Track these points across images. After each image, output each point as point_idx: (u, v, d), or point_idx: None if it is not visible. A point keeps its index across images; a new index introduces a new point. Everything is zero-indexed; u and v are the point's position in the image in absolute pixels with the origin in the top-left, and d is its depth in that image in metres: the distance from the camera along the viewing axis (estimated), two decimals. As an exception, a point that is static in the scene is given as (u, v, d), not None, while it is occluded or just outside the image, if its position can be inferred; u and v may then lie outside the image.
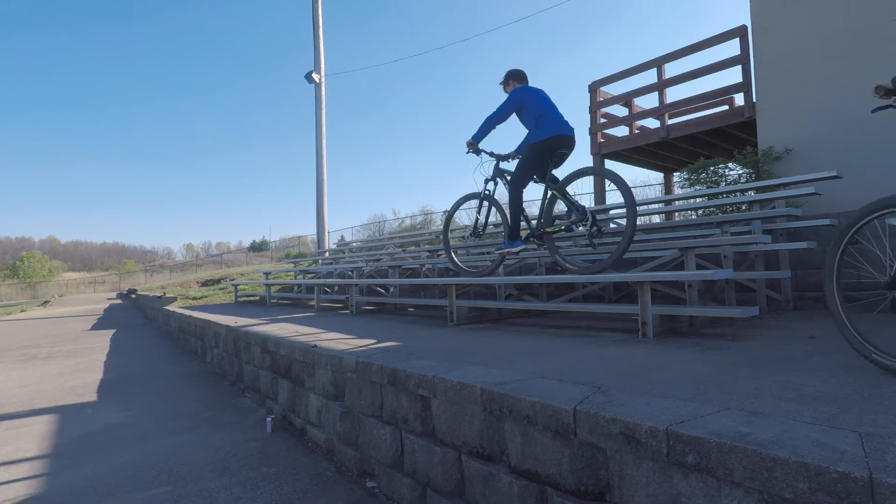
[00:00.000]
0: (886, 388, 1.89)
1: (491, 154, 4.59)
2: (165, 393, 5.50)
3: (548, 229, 4.32)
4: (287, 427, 4.20)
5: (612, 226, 6.01)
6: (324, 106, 14.66)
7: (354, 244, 16.93)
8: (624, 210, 4.20)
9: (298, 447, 3.74)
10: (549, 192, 4.24)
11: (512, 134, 4.73)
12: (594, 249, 4.17)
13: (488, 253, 6.81)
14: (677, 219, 7.88)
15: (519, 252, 4.43)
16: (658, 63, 7.48)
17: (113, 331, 11.65)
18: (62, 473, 3.37)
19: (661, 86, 7.53)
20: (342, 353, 3.46)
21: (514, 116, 4.33)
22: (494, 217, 5.10)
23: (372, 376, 3.08)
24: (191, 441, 3.90)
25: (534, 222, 4.52)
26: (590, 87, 8.37)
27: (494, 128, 4.33)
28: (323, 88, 14.66)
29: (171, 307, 11.19)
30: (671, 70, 7.50)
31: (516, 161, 4.42)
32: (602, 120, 8.51)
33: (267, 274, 11.65)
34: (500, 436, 2.23)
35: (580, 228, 4.10)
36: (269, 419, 4.20)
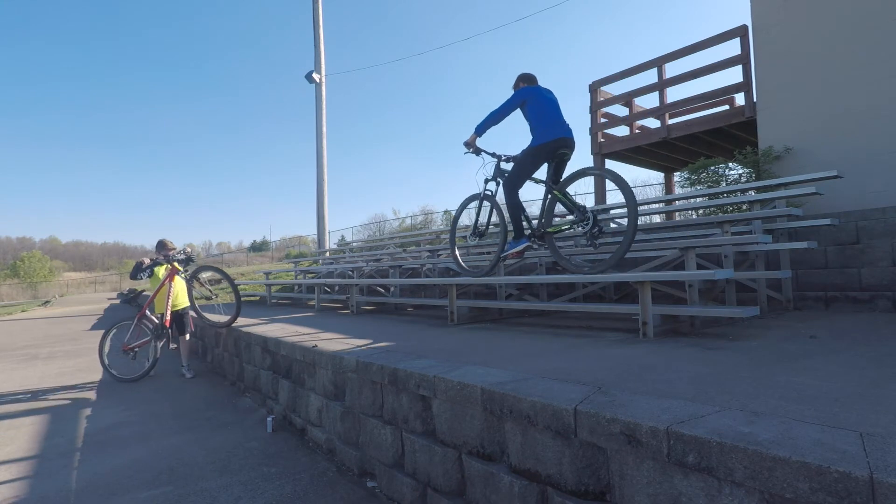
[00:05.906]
0: (887, 387, 1.89)
1: (492, 154, 4.56)
2: (166, 392, 5.49)
3: (549, 229, 4.33)
4: (287, 427, 4.20)
5: (612, 225, 6.01)
6: (324, 106, 14.65)
7: (355, 244, 16.94)
8: (625, 210, 4.21)
9: (299, 447, 3.74)
10: (550, 194, 4.26)
11: (513, 132, 4.68)
12: (595, 249, 4.12)
13: (489, 253, 6.81)
14: (678, 219, 7.88)
15: (523, 251, 4.37)
16: (658, 63, 7.48)
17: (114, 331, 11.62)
18: (62, 473, 3.37)
19: (661, 85, 7.53)
20: (343, 353, 3.46)
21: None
22: (496, 216, 5.11)
23: (372, 376, 3.08)
24: (191, 441, 3.90)
25: (535, 222, 4.50)
26: (590, 87, 8.37)
27: (497, 123, 4.30)
28: (323, 88, 14.65)
29: (172, 307, 11.16)
30: (671, 70, 7.52)
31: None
32: (602, 120, 8.50)
33: (267, 274, 11.65)
34: (501, 436, 2.23)
35: (580, 229, 4.09)
36: (269, 419, 4.20)
